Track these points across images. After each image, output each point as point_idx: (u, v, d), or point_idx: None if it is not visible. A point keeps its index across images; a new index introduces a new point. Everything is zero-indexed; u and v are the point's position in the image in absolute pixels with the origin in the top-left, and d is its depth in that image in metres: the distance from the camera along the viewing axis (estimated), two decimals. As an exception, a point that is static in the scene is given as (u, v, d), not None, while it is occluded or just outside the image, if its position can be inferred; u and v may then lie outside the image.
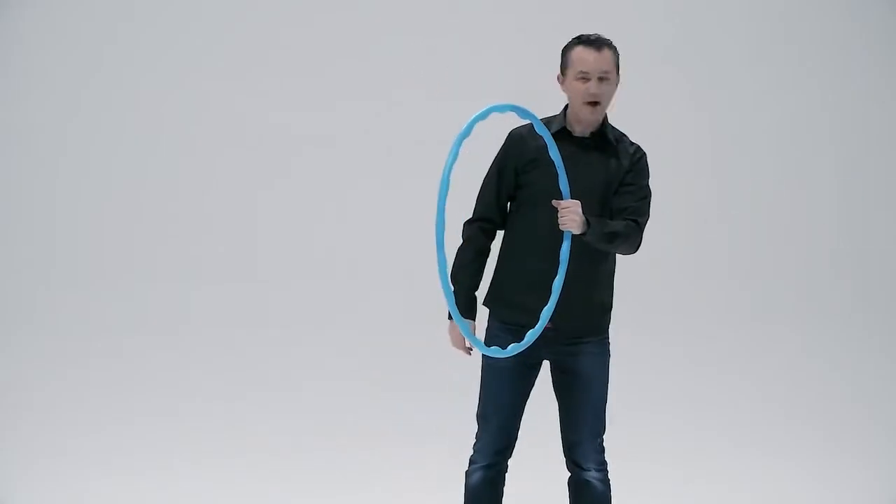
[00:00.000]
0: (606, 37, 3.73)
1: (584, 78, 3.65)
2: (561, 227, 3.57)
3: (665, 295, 6.35)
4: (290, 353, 6.20)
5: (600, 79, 3.65)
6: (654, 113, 6.41)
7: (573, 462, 3.84)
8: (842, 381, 6.24)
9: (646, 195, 3.80)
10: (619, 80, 3.74)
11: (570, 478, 3.88)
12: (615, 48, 3.72)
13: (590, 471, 3.82)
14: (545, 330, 3.61)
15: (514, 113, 3.45)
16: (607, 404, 3.85)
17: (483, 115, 3.39)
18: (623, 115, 6.36)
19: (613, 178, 3.72)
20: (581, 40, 3.70)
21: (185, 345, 6.20)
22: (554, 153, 3.50)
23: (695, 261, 6.39)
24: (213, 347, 6.21)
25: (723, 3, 6.48)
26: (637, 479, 5.69)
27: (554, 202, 3.59)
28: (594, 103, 3.66)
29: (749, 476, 5.71)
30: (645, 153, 3.82)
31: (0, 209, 6.34)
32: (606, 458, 3.87)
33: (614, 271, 3.85)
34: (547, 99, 6.19)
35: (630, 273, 6.30)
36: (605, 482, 3.85)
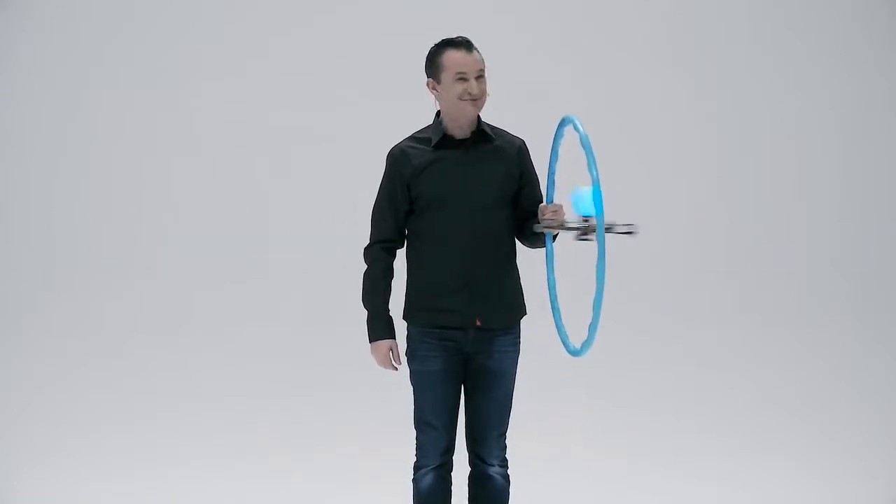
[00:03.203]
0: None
1: (463, 78, 3.79)
2: (547, 230, 3.74)
3: (665, 295, 6.35)
4: (291, 353, 6.20)
5: (478, 77, 3.80)
6: (656, 113, 6.41)
7: (477, 456, 3.91)
8: (842, 381, 6.24)
9: (538, 181, 3.97)
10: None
11: (471, 472, 3.94)
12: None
13: (493, 466, 3.91)
14: (473, 326, 3.80)
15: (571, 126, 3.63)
16: (513, 401, 3.95)
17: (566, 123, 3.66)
18: (627, 115, 6.39)
19: (506, 172, 3.87)
20: (451, 44, 3.83)
21: (186, 345, 6.20)
22: (592, 166, 3.55)
23: (696, 260, 6.38)
24: (213, 347, 6.20)
25: (728, 4, 6.47)
26: (637, 478, 5.70)
27: (542, 206, 3.77)
28: (475, 99, 3.81)
29: (749, 476, 5.71)
30: (524, 140, 3.97)
31: (0, 209, 6.34)
32: (507, 456, 3.96)
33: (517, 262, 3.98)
34: (548, 98, 6.22)
35: (631, 273, 6.33)
36: (507, 477, 3.94)
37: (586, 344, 3.58)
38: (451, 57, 3.79)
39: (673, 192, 6.39)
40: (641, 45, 6.43)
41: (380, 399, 5.81)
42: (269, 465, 5.80)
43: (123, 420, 6.02)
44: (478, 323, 3.81)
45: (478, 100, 3.80)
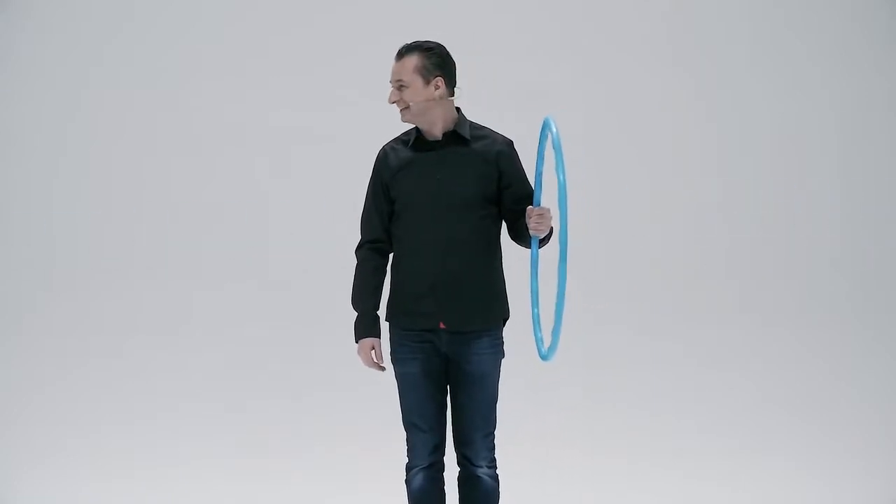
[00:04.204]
0: (426, 41, 3.85)
1: (391, 86, 3.85)
2: (533, 233, 3.76)
3: (665, 295, 6.35)
4: (290, 353, 6.21)
5: (399, 87, 3.82)
6: (656, 113, 6.41)
7: (465, 457, 3.90)
8: (842, 381, 6.24)
9: (526, 179, 3.92)
10: (433, 82, 3.83)
11: (459, 473, 3.94)
12: (429, 51, 3.83)
13: (481, 467, 3.89)
14: (440, 329, 3.80)
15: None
16: (497, 402, 3.93)
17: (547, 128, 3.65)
18: (627, 115, 6.39)
19: (481, 174, 3.83)
20: None
21: (186, 345, 6.20)
22: (560, 167, 3.57)
23: (696, 261, 6.38)
24: (213, 347, 6.20)
25: (728, 4, 6.48)
26: (636, 478, 5.70)
27: (528, 208, 3.76)
28: (400, 109, 3.85)
29: (749, 475, 5.72)
30: (510, 141, 3.91)
31: (0, 209, 6.34)
32: (496, 456, 3.96)
33: (501, 264, 3.94)
34: (547, 98, 6.22)
35: (631, 273, 6.33)
36: (495, 478, 3.92)
37: (551, 349, 3.64)
38: None
39: (673, 192, 6.38)
40: (641, 45, 6.43)
41: (380, 399, 5.80)
42: (269, 464, 5.80)
43: (123, 420, 6.02)
44: (441, 326, 3.81)
45: (401, 111, 3.84)
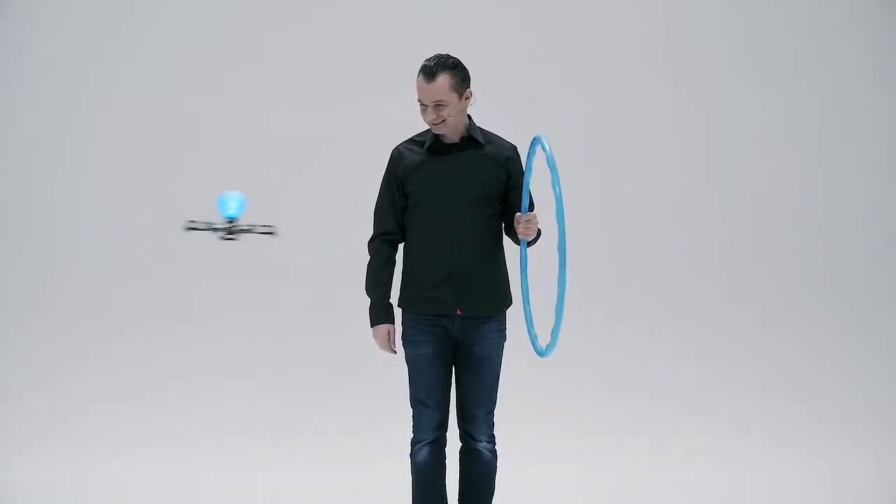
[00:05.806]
0: (447, 57, 4.04)
1: (423, 105, 4.05)
2: (522, 237, 4.08)
3: (666, 294, 6.36)
4: (291, 353, 6.22)
5: (436, 106, 4.02)
6: (658, 113, 6.42)
7: (466, 433, 4.21)
8: (842, 374, 6.26)
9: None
10: (465, 94, 4.07)
11: (461, 447, 4.24)
12: (455, 68, 4.04)
13: (481, 441, 4.20)
14: (456, 315, 4.11)
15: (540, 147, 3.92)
16: (499, 382, 4.22)
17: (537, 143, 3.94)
18: (628, 115, 6.40)
19: (491, 175, 4.13)
20: (420, 69, 4.04)
21: (186, 346, 6.21)
22: (555, 180, 3.85)
23: (696, 260, 6.39)
24: (213, 348, 6.21)
25: (719, 5, 6.49)
26: (636, 467, 5.71)
27: (517, 215, 4.08)
28: (435, 124, 4.06)
29: (749, 470, 5.73)
30: (516, 147, 4.21)
31: (0, 209, 6.34)
32: (495, 433, 4.24)
33: (504, 256, 4.21)
34: (544, 99, 6.23)
35: (629, 268, 6.33)
36: (494, 452, 4.22)
37: (550, 346, 3.94)
38: (417, 83, 4.04)
39: (673, 191, 6.39)
40: (641, 46, 6.44)
41: (379, 390, 5.85)
42: (273, 450, 5.82)
43: (124, 420, 6.03)
44: (458, 312, 4.11)
45: (437, 125, 4.04)
